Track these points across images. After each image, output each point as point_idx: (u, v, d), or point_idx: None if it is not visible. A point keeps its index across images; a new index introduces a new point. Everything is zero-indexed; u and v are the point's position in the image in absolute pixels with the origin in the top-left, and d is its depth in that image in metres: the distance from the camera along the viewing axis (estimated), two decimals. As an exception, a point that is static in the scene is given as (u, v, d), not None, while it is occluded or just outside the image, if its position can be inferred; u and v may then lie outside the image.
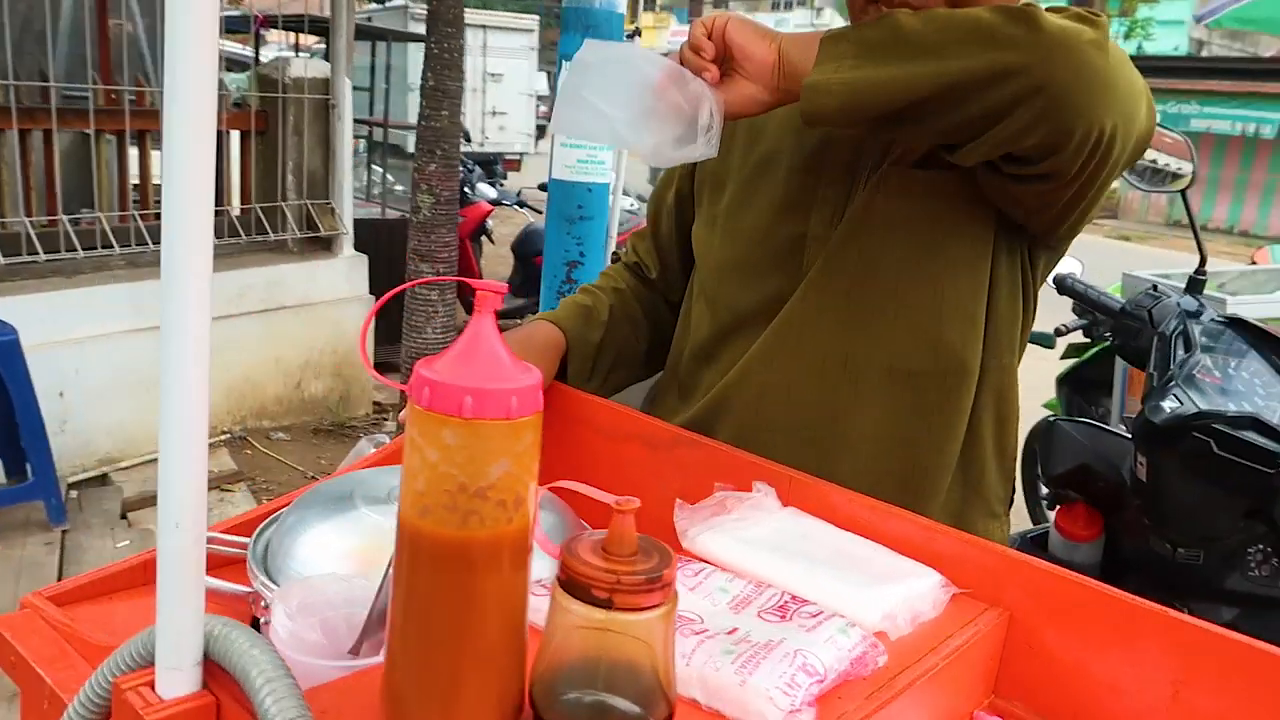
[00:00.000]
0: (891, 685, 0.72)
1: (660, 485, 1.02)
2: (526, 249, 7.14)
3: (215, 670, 0.61)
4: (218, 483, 3.72)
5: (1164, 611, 0.80)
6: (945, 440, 1.08)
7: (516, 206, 7.62)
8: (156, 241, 3.79)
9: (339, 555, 0.87)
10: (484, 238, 6.75)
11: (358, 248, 4.64)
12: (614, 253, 1.39)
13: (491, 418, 0.53)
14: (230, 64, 5.03)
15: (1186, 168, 1.81)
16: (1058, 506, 1.86)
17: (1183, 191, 1.86)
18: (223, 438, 4.10)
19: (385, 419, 4.76)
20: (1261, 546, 1.46)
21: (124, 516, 3.38)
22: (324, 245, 4.52)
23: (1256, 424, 1.32)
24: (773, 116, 1.04)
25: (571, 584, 0.55)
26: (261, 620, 0.86)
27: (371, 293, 4.66)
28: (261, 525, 0.96)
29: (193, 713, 0.59)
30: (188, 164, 0.53)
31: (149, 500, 3.51)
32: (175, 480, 0.57)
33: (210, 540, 0.93)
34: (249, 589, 0.87)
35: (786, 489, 0.97)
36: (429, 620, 0.56)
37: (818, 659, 0.67)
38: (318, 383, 4.52)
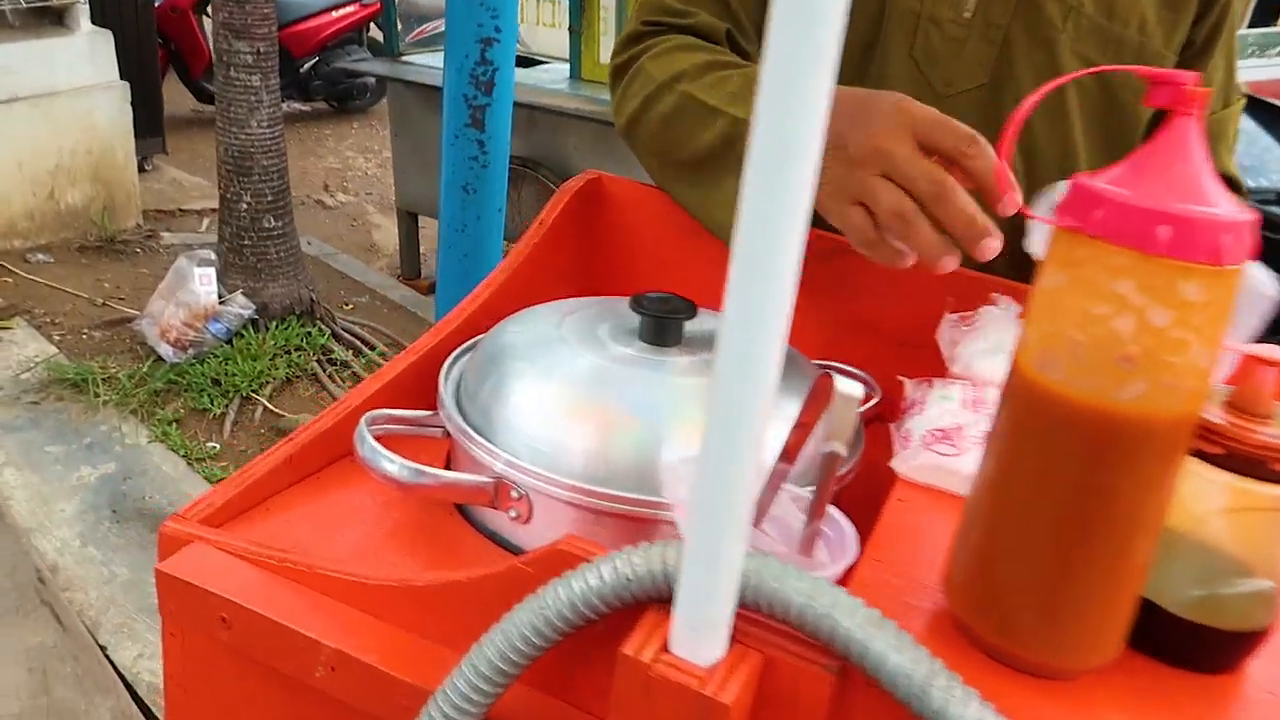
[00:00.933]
0: None
1: (829, 301, 0.91)
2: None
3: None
4: (-15, 320, 3.11)
5: None
6: None
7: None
8: None
9: (569, 417, 0.69)
10: (206, 12, 5.72)
11: (95, 22, 3.82)
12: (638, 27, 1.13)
13: (1236, 263, 0.40)
14: None
15: None
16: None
17: None
18: (-33, 264, 3.41)
19: (161, 230, 4.13)
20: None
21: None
22: (55, 18, 3.68)
23: (1282, 198, 1.40)
24: None
25: (1236, 459, 0.45)
26: (510, 514, 0.69)
27: (124, 78, 3.90)
28: (449, 390, 0.75)
29: (755, 675, 0.44)
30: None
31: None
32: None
33: (371, 421, 0.71)
34: (485, 479, 0.68)
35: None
36: (1098, 516, 0.43)
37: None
38: (74, 190, 3.81)
